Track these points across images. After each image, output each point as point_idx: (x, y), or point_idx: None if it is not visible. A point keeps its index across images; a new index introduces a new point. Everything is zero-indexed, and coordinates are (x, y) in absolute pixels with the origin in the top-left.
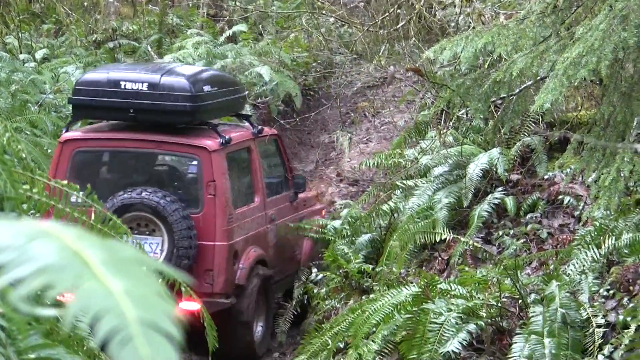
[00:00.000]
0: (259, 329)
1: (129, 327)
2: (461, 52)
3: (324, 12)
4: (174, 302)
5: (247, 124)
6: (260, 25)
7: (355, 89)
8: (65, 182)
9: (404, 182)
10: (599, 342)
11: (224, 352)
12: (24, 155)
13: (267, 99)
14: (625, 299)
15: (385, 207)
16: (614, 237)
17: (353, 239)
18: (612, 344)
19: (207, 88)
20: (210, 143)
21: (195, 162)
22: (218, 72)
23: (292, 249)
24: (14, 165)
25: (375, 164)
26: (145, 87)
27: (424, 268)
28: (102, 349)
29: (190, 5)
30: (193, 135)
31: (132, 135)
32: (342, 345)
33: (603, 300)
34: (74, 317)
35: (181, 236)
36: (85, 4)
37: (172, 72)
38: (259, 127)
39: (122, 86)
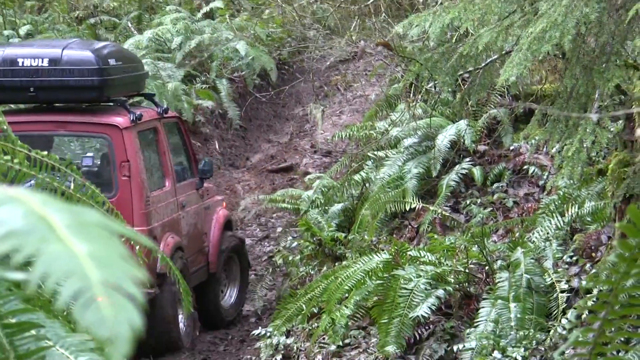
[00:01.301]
0: (180, 317)
1: (92, 289)
2: (429, 27)
3: None
4: (139, 264)
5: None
6: (236, 2)
7: (328, 63)
8: (45, 153)
9: (375, 153)
10: (563, 306)
11: (148, 345)
12: (5, 127)
13: (243, 72)
14: (588, 265)
15: (357, 177)
16: (577, 206)
17: (326, 208)
18: (575, 308)
19: (112, 62)
20: (121, 120)
21: (105, 142)
22: (120, 47)
23: (202, 240)
24: None
25: (348, 136)
26: (45, 62)
27: (394, 236)
28: None
29: None
30: (101, 113)
31: (33, 117)
32: (316, 310)
33: (566, 266)
34: (40, 279)
35: None
36: None
37: (73, 46)
38: (164, 106)
39: (20, 63)
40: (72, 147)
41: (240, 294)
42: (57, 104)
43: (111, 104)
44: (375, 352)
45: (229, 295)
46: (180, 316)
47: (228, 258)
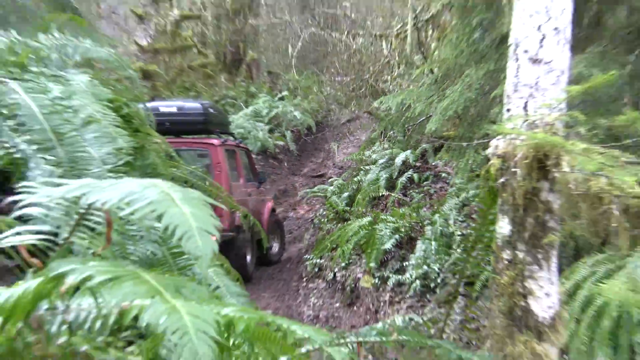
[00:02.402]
0: (248, 256)
1: (192, 231)
2: (391, 102)
3: (324, 84)
4: (218, 220)
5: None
6: (295, 91)
7: (341, 121)
8: (194, 166)
9: (364, 167)
10: (457, 243)
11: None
12: (173, 153)
13: (298, 127)
14: (471, 223)
15: (355, 179)
16: (465, 192)
17: (340, 195)
18: (463, 245)
19: (211, 110)
20: (216, 142)
21: (208, 153)
22: (214, 104)
23: (260, 213)
24: (166, 159)
25: (351, 159)
26: (175, 109)
27: (374, 208)
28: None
29: (261, 81)
30: (205, 138)
31: (170, 140)
32: (334, 247)
33: (460, 223)
34: (166, 226)
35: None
36: (210, 82)
37: (190, 101)
38: (239, 140)
39: (160, 110)
40: (190, 157)
41: (280, 248)
42: (181, 134)
43: (211, 134)
44: (364, 266)
45: (274, 248)
46: (248, 254)
47: (272, 227)
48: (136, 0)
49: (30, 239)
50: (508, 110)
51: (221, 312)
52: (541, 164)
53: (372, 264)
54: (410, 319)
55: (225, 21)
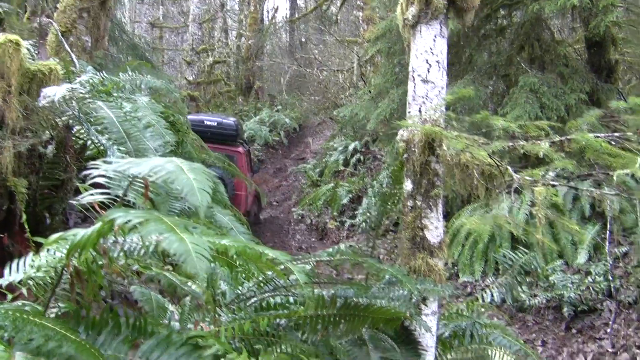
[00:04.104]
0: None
1: (194, 190)
2: (346, 111)
3: (303, 101)
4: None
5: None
6: (285, 105)
7: (316, 123)
8: (217, 154)
9: (329, 152)
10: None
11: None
12: (204, 145)
13: (287, 127)
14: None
15: (324, 160)
16: (391, 168)
17: (314, 170)
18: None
19: (237, 126)
20: (241, 149)
21: (235, 156)
22: (239, 121)
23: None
24: (198, 149)
25: (322, 148)
26: (215, 123)
27: (335, 178)
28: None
29: (264, 100)
30: (235, 145)
31: (211, 145)
32: (311, 202)
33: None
34: (177, 187)
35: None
36: (232, 101)
37: (225, 118)
38: (248, 146)
39: (204, 122)
40: (225, 156)
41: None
42: (219, 142)
43: (239, 143)
44: (330, 214)
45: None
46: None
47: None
48: (186, 53)
49: (99, 198)
50: (409, 112)
51: (220, 242)
52: (430, 145)
53: (335, 213)
54: (350, 246)
55: (241, 63)
